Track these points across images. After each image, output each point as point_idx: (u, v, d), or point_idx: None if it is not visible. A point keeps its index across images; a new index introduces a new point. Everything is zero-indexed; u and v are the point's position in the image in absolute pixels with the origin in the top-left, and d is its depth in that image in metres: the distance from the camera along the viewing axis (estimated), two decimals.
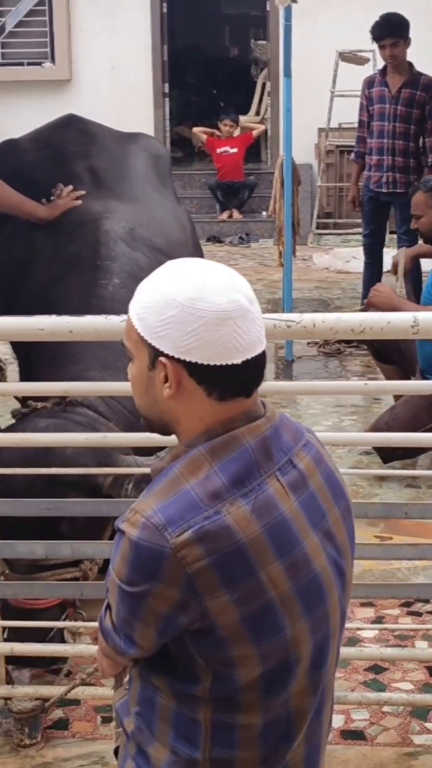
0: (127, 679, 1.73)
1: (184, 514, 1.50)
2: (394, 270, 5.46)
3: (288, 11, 6.30)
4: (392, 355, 5.14)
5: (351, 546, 1.69)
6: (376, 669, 3.36)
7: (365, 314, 2.96)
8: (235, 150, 11.45)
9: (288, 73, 6.46)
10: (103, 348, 3.39)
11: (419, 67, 6.99)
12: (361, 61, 9.72)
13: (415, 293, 5.80)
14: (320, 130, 10.83)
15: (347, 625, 3.05)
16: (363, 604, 3.68)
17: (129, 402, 3.28)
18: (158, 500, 1.52)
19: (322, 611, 1.60)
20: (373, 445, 4.80)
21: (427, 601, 3.68)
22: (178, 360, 1.53)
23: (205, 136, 11.71)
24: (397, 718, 3.12)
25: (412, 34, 6.86)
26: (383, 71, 7.01)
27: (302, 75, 8.26)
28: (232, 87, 14.83)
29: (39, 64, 11.45)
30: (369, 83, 7.07)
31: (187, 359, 1.53)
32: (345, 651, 3.10)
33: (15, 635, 3.01)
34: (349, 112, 8.85)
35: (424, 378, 4.83)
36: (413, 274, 6.34)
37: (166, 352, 1.54)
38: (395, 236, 7.27)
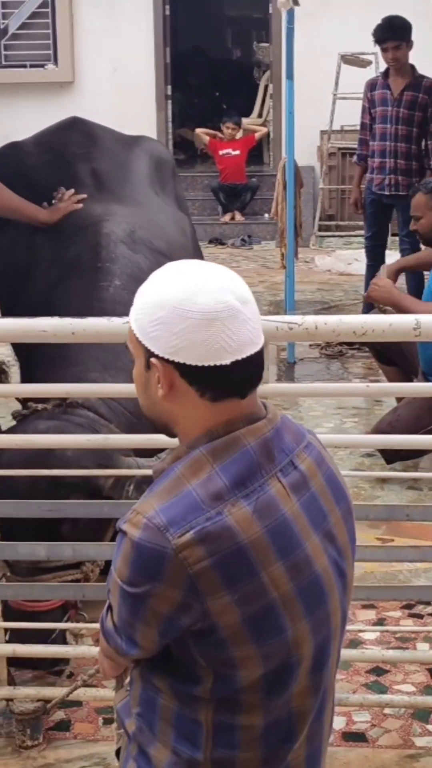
0: (128, 680, 1.73)
1: (185, 515, 1.50)
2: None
3: (290, 14, 6.31)
4: (394, 357, 5.14)
5: (352, 547, 1.69)
6: (378, 671, 3.36)
7: (367, 316, 2.96)
8: (237, 152, 11.46)
9: (290, 76, 6.47)
10: (103, 349, 3.39)
11: (421, 69, 6.99)
12: (363, 63, 9.73)
13: (417, 292, 5.80)
14: (322, 132, 10.83)
15: (349, 627, 3.05)
16: (364, 606, 3.68)
17: (130, 403, 3.30)
18: (160, 501, 1.53)
19: (323, 612, 1.60)
20: (375, 447, 4.80)
21: (428, 603, 3.68)
22: (168, 361, 1.54)
23: (207, 138, 11.72)
24: (398, 720, 3.12)
25: (413, 36, 6.86)
26: (385, 74, 7.01)
27: (304, 77, 8.27)
28: (234, 89, 14.84)
29: (42, 66, 11.47)
30: (371, 86, 7.08)
31: (176, 360, 1.54)
32: (346, 653, 3.10)
33: (17, 637, 3.01)
34: (351, 115, 8.87)
35: (426, 380, 4.83)
36: (414, 275, 6.35)
37: (156, 352, 1.55)
38: (397, 238, 7.27)
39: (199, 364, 1.53)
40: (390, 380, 5.22)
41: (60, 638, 3.09)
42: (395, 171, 6.90)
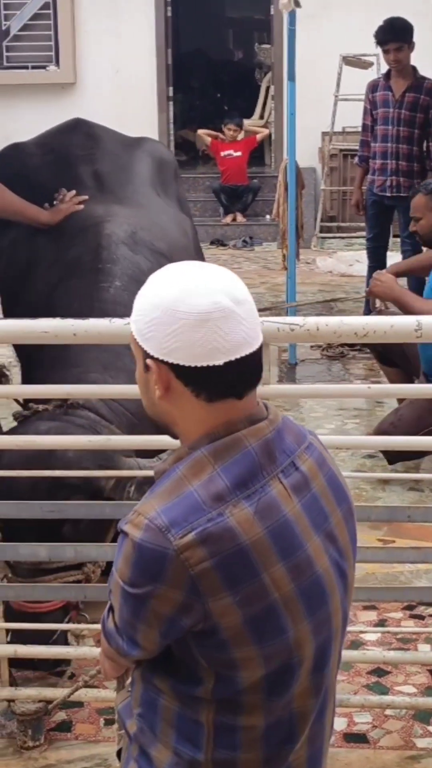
0: (129, 681, 1.73)
1: (187, 516, 1.50)
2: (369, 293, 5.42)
3: (292, 15, 6.31)
4: (395, 358, 5.14)
5: (353, 548, 1.69)
6: (379, 672, 3.36)
7: (368, 318, 2.96)
8: (239, 153, 11.46)
9: (292, 77, 6.47)
10: (103, 350, 3.40)
11: (422, 70, 7.00)
12: (365, 65, 9.73)
13: (418, 290, 5.80)
14: (324, 133, 10.84)
15: (350, 628, 3.05)
16: (366, 608, 3.68)
17: (131, 404, 3.31)
18: (161, 502, 1.53)
19: (325, 613, 1.60)
20: (376, 448, 4.80)
21: (429, 605, 3.68)
22: (163, 361, 1.55)
23: (209, 139, 11.73)
24: (399, 721, 3.12)
25: (415, 37, 6.87)
26: (387, 75, 7.02)
27: (306, 79, 8.27)
28: (236, 90, 14.85)
29: (43, 67, 11.48)
30: (373, 87, 7.08)
31: (170, 360, 1.54)
32: (348, 654, 3.10)
33: (18, 639, 3.01)
34: (352, 116, 8.88)
35: (428, 381, 4.83)
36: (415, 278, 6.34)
37: (151, 353, 1.56)
38: (399, 240, 7.27)
39: (192, 364, 1.53)
40: (391, 381, 5.22)
41: (61, 639, 3.10)
42: (397, 172, 6.90)
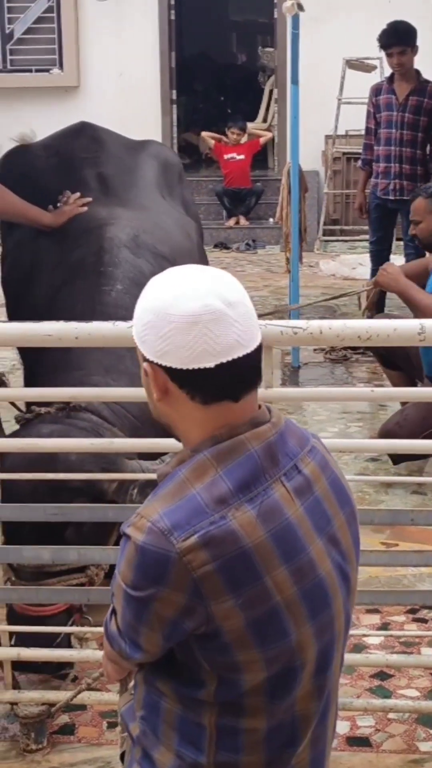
0: (132, 683, 1.73)
1: (190, 519, 1.50)
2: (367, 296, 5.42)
3: (295, 19, 6.31)
4: (399, 362, 5.14)
5: (356, 551, 1.69)
6: (382, 676, 3.36)
7: (372, 321, 2.97)
8: (242, 157, 11.47)
9: (295, 81, 6.48)
10: (105, 353, 3.40)
11: (425, 73, 7.00)
12: (368, 68, 9.74)
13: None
14: (327, 137, 10.84)
15: (353, 631, 3.05)
16: (369, 611, 3.68)
17: (132, 407, 3.31)
18: (164, 505, 1.53)
19: (327, 616, 1.60)
20: (379, 451, 4.80)
21: None
22: (157, 364, 1.56)
23: (212, 141, 11.74)
24: (402, 725, 3.11)
25: (418, 41, 6.88)
26: (390, 79, 7.02)
27: (309, 82, 8.27)
28: (239, 94, 14.86)
29: (47, 70, 11.49)
30: (376, 91, 7.09)
31: (164, 363, 1.55)
32: (351, 657, 3.10)
33: (22, 642, 3.01)
34: (356, 120, 8.87)
35: (431, 384, 4.83)
36: None
37: (147, 356, 1.57)
38: (402, 243, 7.27)
39: (184, 367, 1.54)
40: (395, 385, 5.22)
41: (65, 642, 3.09)
42: (400, 176, 6.91)
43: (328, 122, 10.51)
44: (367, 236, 7.78)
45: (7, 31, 11.46)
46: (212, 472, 1.54)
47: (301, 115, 6.50)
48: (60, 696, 3.01)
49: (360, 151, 7.50)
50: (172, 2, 11.43)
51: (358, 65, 9.90)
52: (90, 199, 4.16)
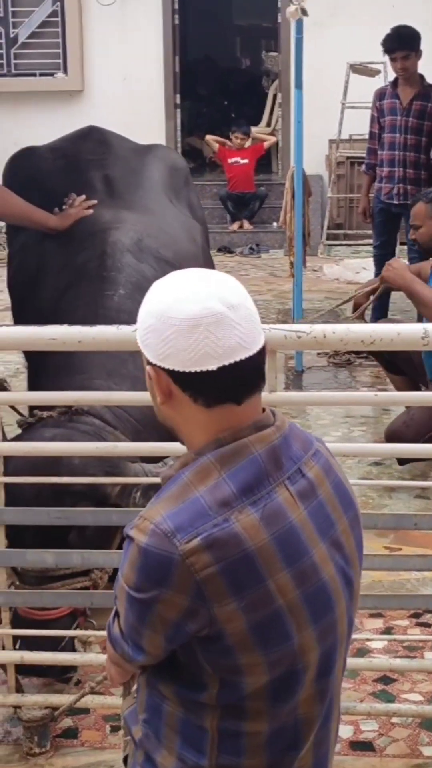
0: (135, 687, 1.73)
1: (193, 522, 1.51)
2: (355, 307, 5.42)
3: (299, 24, 6.32)
4: (402, 366, 5.14)
5: (359, 555, 1.69)
6: (385, 680, 3.36)
7: (375, 325, 2.97)
8: (246, 161, 11.48)
9: (299, 85, 6.48)
10: (108, 357, 3.40)
11: (429, 77, 7.00)
12: (372, 72, 9.74)
13: None
14: (331, 141, 10.84)
15: (356, 636, 3.05)
16: (372, 615, 3.68)
17: (134, 411, 3.31)
18: (167, 507, 1.54)
19: (330, 620, 1.61)
20: (382, 456, 4.79)
21: None
22: (160, 367, 1.56)
23: (217, 145, 11.75)
24: (406, 729, 3.11)
25: (422, 45, 6.88)
26: (394, 83, 7.02)
27: (313, 86, 8.29)
28: (243, 98, 14.87)
29: (51, 74, 11.51)
30: (380, 95, 7.09)
31: (166, 366, 1.56)
32: (354, 662, 3.10)
33: (27, 646, 3.01)
34: (359, 124, 8.87)
35: None
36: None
37: (150, 359, 1.58)
38: (405, 247, 7.27)
39: (186, 370, 1.54)
40: (398, 389, 5.22)
41: (69, 646, 3.09)
42: (404, 180, 6.91)
43: (331, 126, 10.51)
44: (370, 240, 7.77)
45: (12, 36, 11.48)
46: (215, 475, 1.54)
47: (305, 119, 6.51)
48: (63, 699, 3.01)
49: (364, 155, 7.51)
50: (176, 7, 11.44)
51: (362, 70, 9.90)
52: (95, 201, 4.17)
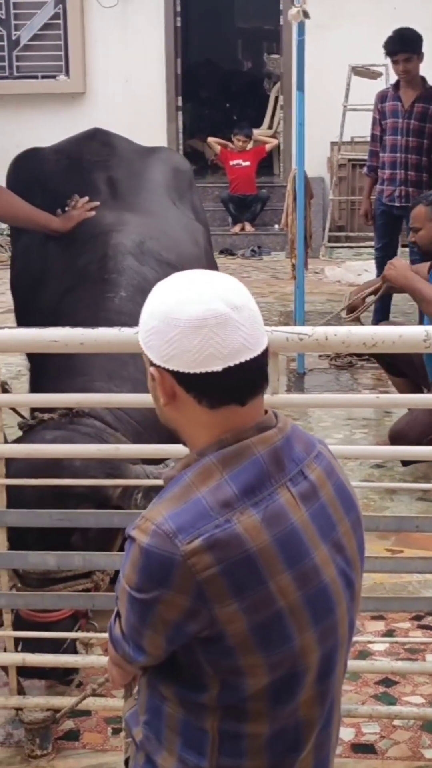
0: (136, 689, 1.73)
1: (194, 522, 1.51)
2: (350, 310, 5.41)
3: (301, 26, 6.32)
4: (404, 368, 5.14)
5: (360, 558, 1.69)
6: (387, 682, 3.36)
7: (377, 327, 2.97)
8: (247, 163, 11.49)
9: (301, 87, 6.48)
10: (108, 359, 3.41)
11: (431, 80, 7.00)
12: (374, 75, 9.75)
13: None
14: (333, 143, 10.85)
15: (358, 638, 3.05)
16: (374, 618, 3.68)
17: (135, 413, 3.31)
18: (169, 508, 1.54)
19: (331, 622, 1.61)
20: (384, 458, 4.79)
21: None
22: (164, 369, 1.56)
23: (219, 147, 11.76)
24: (407, 731, 3.11)
25: (424, 48, 6.88)
26: (396, 86, 7.02)
27: (315, 89, 8.29)
28: (245, 100, 14.88)
29: (53, 77, 11.52)
30: (382, 97, 7.09)
31: (171, 368, 1.55)
32: (356, 664, 3.10)
33: (29, 648, 3.01)
34: (361, 126, 8.89)
35: None
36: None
37: (153, 361, 1.58)
38: (407, 250, 7.27)
39: (191, 371, 1.54)
40: (400, 392, 5.22)
41: (71, 648, 3.09)
42: (406, 182, 6.91)
43: (333, 129, 10.52)
44: (372, 243, 7.78)
45: (14, 38, 11.49)
46: (218, 476, 1.54)
47: (307, 121, 6.51)
48: (65, 702, 3.01)
49: (365, 157, 7.51)
50: (178, 9, 11.45)
51: (364, 72, 9.91)
52: (98, 203, 4.17)
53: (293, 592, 1.55)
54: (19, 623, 3.02)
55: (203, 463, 1.56)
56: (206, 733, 1.58)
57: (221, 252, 10.89)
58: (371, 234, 7.85)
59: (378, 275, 7.25)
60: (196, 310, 1.53)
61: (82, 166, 4.42)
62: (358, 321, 5.30)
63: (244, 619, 1.51)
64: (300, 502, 1.58)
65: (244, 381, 1.56)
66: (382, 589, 3.80)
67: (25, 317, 4.28)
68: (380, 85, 8.89)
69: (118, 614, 1.65)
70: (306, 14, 6.14)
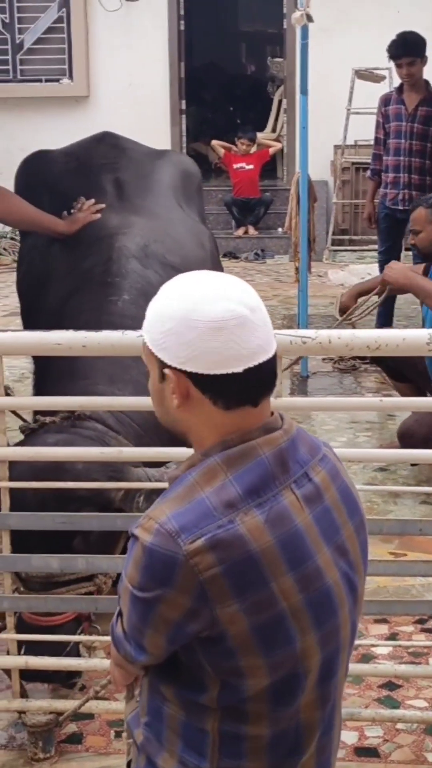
0: (138, 691, 1.73)
1: (197, 522, 1.51)
2: (342, 311, 5.41)
3: (305, 30, 6.33)
4: (407, 373, 5.13)
5: (364, 561, 1.69)
6: (390, 686, 3.35)
7: (380, 331, 2.97)
8: (251, 167, 11.49)
9: (304, 91, 6.49)
10: (111, 362, 3.41)
11: None
12: (377, 78, 9.76)
13: None
14: (336, 147, 10.86)
15: (361, 641, 3.04)
16: (377, 621, 3.67)
17: (137, 415, 3.31)
18: (173, 507, 1.54)
19: (333, 625, 1.60)
20: (387, 461, 4.79)
21: None
22: (181, 371, 1.55)
23: (222, 150, 11.77)
24: (410, 735, 3.10)
25: (427, 51, 6.89)
26: (399, 89, 7.03)
27: (318, 92, 8.29)
28: (248, 104, 14.90)
29: (57, 80, 11.53)
30: (385, 101, 7.10)
31: (188, 369, 1.55)
32: (359, 667, 3.10)
33: (32, 651, 3.01)
34: (364, 130, 8.89)
35: None
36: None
37: (168, 363, 1.57)
38: (410, 253, 7.27)
39: (212, 372, 1.54)
40: (404, 396, 5.21)
41: (74, 651, 3.09)
42: (409, 186, 6.92)
43: (337, 132, 10.53)
44: (375, 246, 7.78)
45: (18, 41, 11.51)
46: (222, 477, 1.54)
47: (310, 125, 6.52)
48: (68, 705, 3.01)
49: (369, 161, 7.51)
50: (182, 12, 11.46)
51: (368, 75, 9.92)
52: (104, 205, 4.17)
53: (295, 594, 1.55)
54: (22, 626, 3.02)
55: (208, 464, 1.56)
56: (207, 734, 1.58)
57: (224, 255, 10.88)
58: (374, 237, 7.85)
59: None
60: (215, 311, 1.53)
61: (91, 168, 4.42)
62: (352, 325, 5.29)
63: (246, 620, 1.51)
64: (304, 504, 1.58)
65: (260, 382, 1.57)
66: (385, 593, 3.80)
67: (30, 320, 4.29)
68: (384, 88, 8.90)
69: (120, 613, 1.65)
70: (309, 18, 6.14)
